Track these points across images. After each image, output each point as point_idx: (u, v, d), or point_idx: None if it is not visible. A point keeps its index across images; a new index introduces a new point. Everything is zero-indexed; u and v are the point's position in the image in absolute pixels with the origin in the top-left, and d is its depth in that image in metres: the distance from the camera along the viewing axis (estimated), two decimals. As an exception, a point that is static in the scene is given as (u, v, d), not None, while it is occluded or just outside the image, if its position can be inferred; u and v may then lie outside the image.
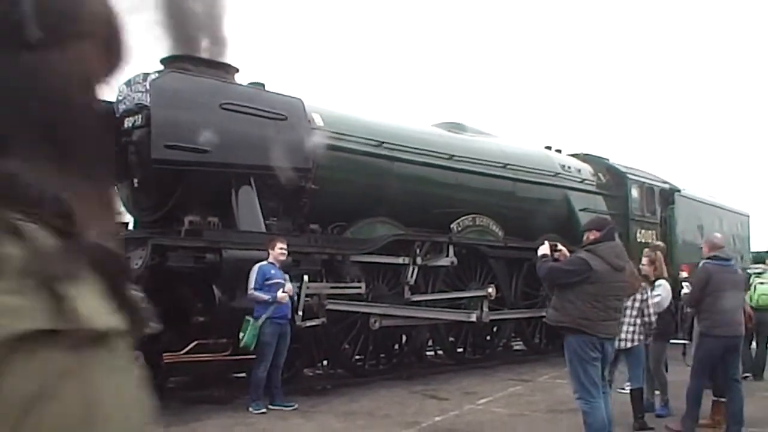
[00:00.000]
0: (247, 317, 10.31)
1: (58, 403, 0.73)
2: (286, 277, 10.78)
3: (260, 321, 10.26)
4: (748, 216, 29.25)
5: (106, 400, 0.79)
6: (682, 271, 14.61)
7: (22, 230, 0.77)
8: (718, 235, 10.53)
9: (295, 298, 11.09)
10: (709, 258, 9.36)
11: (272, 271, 10.55)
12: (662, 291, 10.56)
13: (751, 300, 13.04)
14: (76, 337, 0.76)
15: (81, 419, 0.75)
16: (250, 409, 10.23)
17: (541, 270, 7.99)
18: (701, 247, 11.07)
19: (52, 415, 0.73)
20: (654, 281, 10.65)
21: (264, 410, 10.23)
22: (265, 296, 10.38)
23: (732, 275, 9.39)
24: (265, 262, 10.58)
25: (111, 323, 0.83)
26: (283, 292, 10.47)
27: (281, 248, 10.71)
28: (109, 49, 0.95)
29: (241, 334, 10.24)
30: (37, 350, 0.73)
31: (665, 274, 10.89)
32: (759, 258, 17.32)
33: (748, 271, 15.42)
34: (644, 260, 10.92)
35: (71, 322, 0.76)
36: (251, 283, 10.38)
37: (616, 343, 8.76)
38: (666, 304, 10.59)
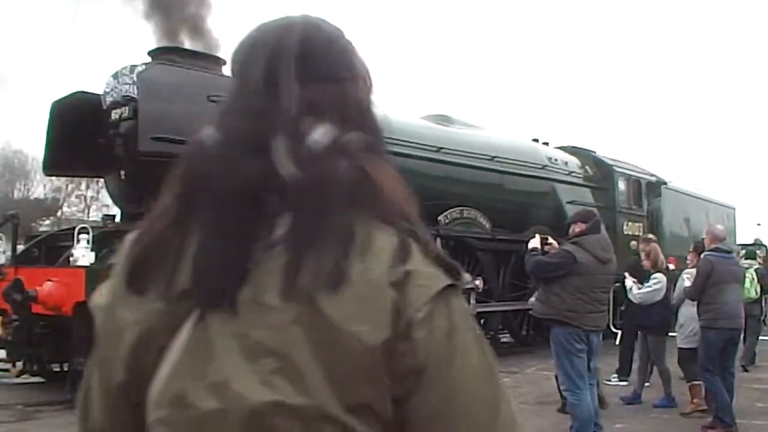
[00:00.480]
0: None
1: (464, 331, 1.25)
2: None
3: None
4: (734, 208, 29.38)
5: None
6: (669, 263, 14.63)
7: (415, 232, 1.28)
8: (720, 226, 10.50)
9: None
10: (711, 250, 9.34)
11: None
12: (656, 284, 10.62)
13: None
14: (461, 289, 1.28)
15: (475, 338, 1.27)
16: None
17: (529, 263, 8.02)
18: (699, 240, 11.18)
19: (461, 339, 1.23)
20: (651, 274, 10.75)
21: None
22: None
23: (734, 268, 9.41)
24: None
25: (467, 279, 1.34)
26: None
27: None
28: (369, 84, 1.52)
29: None
30: (449, 298, 1.23)
31: (662, 266, 10.93)
32: (750, 253, 17.37)
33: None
34: (642, 255, 11.07)
35: (458, 279, 1.27)
36: None
37: None
38: (659, 297, 10.60)
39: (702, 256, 9.73)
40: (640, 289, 10.81)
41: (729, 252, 9.51)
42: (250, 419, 1.14)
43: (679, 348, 10.51)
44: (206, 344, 1.19)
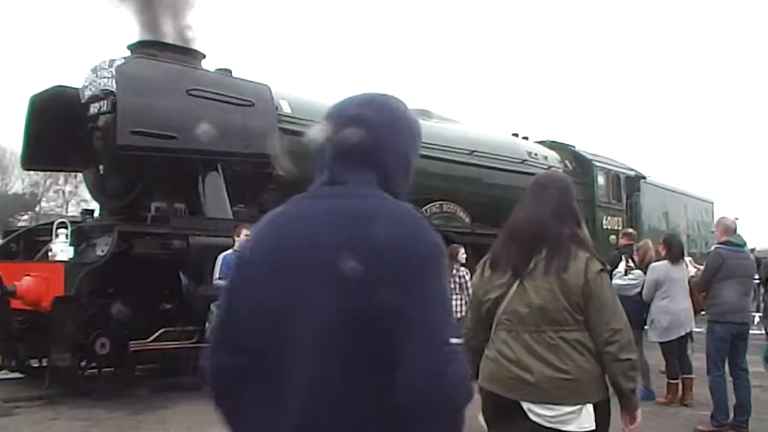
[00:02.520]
0: (212, 307, 10.25)
1: (606, 284, 3.84)
2: None
3: None
4: (713, 203, 29.56)
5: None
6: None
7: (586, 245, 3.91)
8: (730, 218, 10.31)
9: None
10: (721, 243, 9.19)
11: None
12: (632, 279, 10.69)
13: None
14: (606, 270, 3.89)
15: (609, 285, 3.93)
16: None
17: None
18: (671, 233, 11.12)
19: (603, 286, 3.80)
20: (636, 268, 10.82)
21: None
22: None
23: (745, 262, 9.23)
24: (229, 251, 10.50)
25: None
26: None
27: (247, 235, 10.60)
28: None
29: (206, 324, 10.20)
30: (601, 273, 3.76)
31: (649, 263, 10.92)
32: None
33: None
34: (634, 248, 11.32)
35: (605, 268, 3.85)
36: (216, 273, 10.30)
37: None
38: (632, 292, 10.60)
39: (713, 248, 9.64)
40: (622, 278, 10.87)
41: (741, 245, 9.30)
42: (539, 310, 3.71)
43: (659, 343, 10.53)
44: (522, 290, 3.78)
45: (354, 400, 1.90)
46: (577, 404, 3.56)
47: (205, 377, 2.26)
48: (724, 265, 8.90)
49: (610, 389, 3.75)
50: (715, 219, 10.87)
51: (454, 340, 1.89)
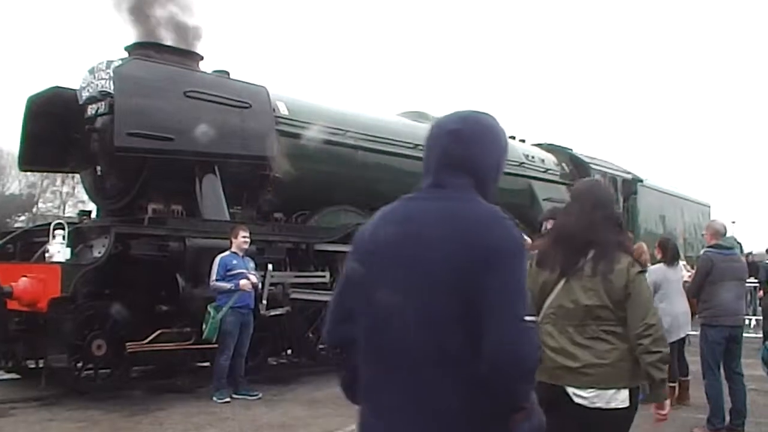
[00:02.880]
0: (209, 308, 10.25)
1: (644, 285, 4.31)
2: (251, 265, 10.75)
3: (220, 314, 10.21)
4: (709, 206, 29.60)
5: None
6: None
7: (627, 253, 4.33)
8: (720, 221, 10.32)
9: (260, 286, 11.06)
10: (711, 246, 9.22)
11: (234, 262, 10.49)
12: None
13: None
14: (644, 272, 4.44)
15: (646, 286, 4.38)
16: (214, 398, 10.19)
17: None
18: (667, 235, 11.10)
19: (641, 285, 4.24)
20: None
21: (228, 399, 10.21)
22: (227, 285, 10.33)
23: (735, 264, 9.25)
24: (227, 253, 10.50)
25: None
26: (246, 280, 10.44)
27: (244, 237, 10.65)
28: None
29: (203, 326, 10.21)
30: (640, 275, 4.24)
31: (644, 265, 10.83)
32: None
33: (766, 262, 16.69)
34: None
35: (644, 269, 4.58)
36: (213, 275, 10.33)
37: None
38: None
39: (702, 252, 9.66)
40: None
41: (730, 248, 9.32)
42: (584, 307, 4.15)
43: None
44: (569, 287, 4.21)
45: (447, 356, 2.44)
46: (615, 388, 4.08)
47: (327, 342, 3.03)
48: (714, 269, 8.93)
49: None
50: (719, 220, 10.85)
51: (528, 318, 2.43)
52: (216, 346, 10.34)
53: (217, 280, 10.31)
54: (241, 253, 10.62)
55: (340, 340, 2.81)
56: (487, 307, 2.39)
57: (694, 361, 10.12)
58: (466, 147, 2.70)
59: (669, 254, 10.52)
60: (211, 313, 10.18)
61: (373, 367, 2.61)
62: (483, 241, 2.46)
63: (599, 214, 4.33)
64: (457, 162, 2.69)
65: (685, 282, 10.29)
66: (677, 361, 10.42)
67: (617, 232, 4.39)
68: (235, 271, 10.42)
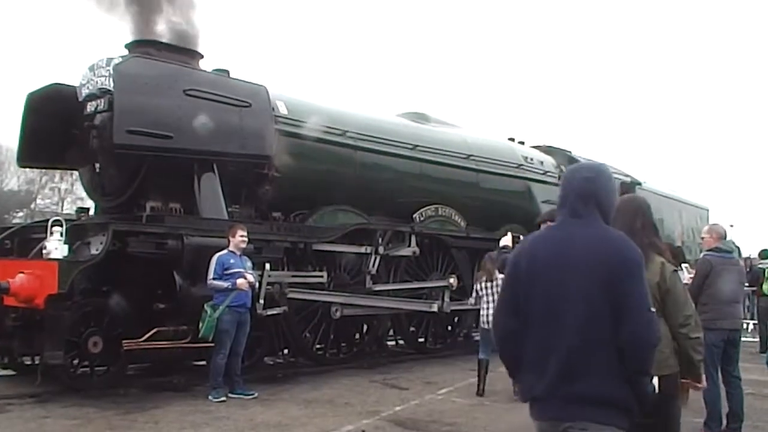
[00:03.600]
0: (206, 307, 10.23)
1: (678, 281, 4.98)
2: (249, 264, 10.75)
3: (217, 313, 10.20)
4: (708, 210, 29.59)
5: None
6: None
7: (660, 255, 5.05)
8: (721, 225, 10.40)
9: (257, 285, 11.05)
10: (710, 250, 9.23)
11: (231, 261, 10.49)
12: None
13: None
14: (677, 270, 5.28)
15: (680, 281, 5.02)
16: (210, 397, 10.18)
17: (499, 261, 8.03)
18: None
19: (676, 282, 4.93)
20: None
21: (224, 398, 10.20)
22: (225, 283, 10.32)
23: (733, 268, 9.27)
24: (224, 252, 10.49)
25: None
26: (243, 279, 10.45)
27: (242, 236, 10.64)
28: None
29: (200, 324, 10.20)
30: (675, 273, 4.97)
31: None
32: (765, 253, 18.11)
33: (759, 266, 18.11)
34: None
35: (679, 267, 5.49)
36: (210, 274, 10.33)
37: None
38: None
39: (702, 255, 9.68)
40: None
41: (729, 251, 9.33)
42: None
43: None
44: None
45: (596, 338, 3.56)
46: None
47: (495, 334, 4.04)
48: (713, 272, 8.97)
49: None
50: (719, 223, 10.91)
51: (652, 309, 3.64)
52: (212, 344, 10.32)
53: (214, 278, 10.30)
54: (238, 252, 10.61)
55: (508, 329, 3.88)
56: (626, 302, 3.55)
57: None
58: (595, 189, 3.87)
59: (678, 259, 10.54)
60: (208, 312, 10.16)
61: (541, 345, 3.67)
62: (619, 256, 3.65)
63: (639, 222, 5.15)
64: (589, 199, 3.83)
65: (685, 284, 10.36)
66: None
67: (652, 236, 5.18)
68: (232, 270, 10.41)
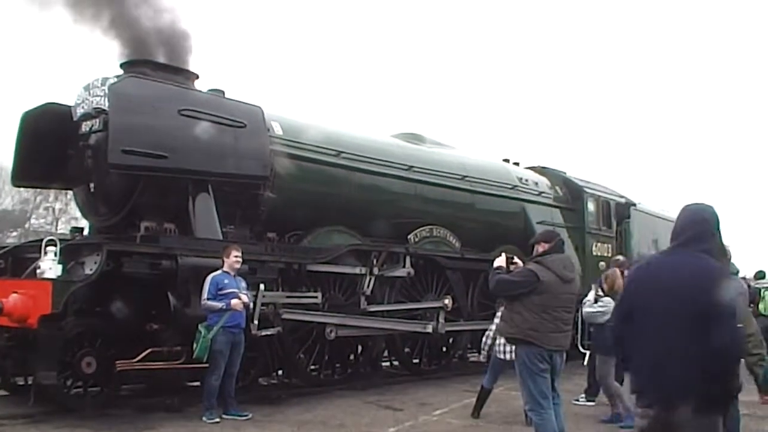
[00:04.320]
0: (200, 327, 10.20)
1: (743, 305, 8.97)
2: (243, 285, 10.72)
3: (211, 334, 10.16)
4: (702, 231, 29.56)
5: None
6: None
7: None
8: (729, 246, 10.44)
9: (251, 306, 11.03)
10: None
11: (226, 281, 10.45)
12: (601, 307, 11.20)
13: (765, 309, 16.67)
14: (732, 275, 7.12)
15: (746, 307, 9.68)
16: (204, 418, 10.14)
17: (492, 281, 8.06)
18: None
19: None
20: (605, 296, 10.96)
21: (218, 419, 10.15)
22: (219, 304, 10.28)
23: (738, 289, 9.29)
24: (219, 272, 10.47)
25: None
26: (237, 299, 10.42)
27: (236, 256, 10.62)
28: None
29: (194, 345, 10.16)
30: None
31: (617, 291, 11.02)
32: (761, 274, 18.57)
33: (756, 286, 17.80)
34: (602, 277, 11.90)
35: (734, 274, 8.81)
36: (204, 294, 10.29)
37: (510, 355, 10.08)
38: (602, 319, 11.03)
39: None
40: (591, 306, 11.40)
41: (735, 273, 9.34)
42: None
43: None
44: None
45: (686, 346, 4.45)
46: None
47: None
48: None
49: None
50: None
51: (739, 325, 4.59)
52: (206, 365, 10.29)
53: (208, 299, 10.27)
54: (232, 273, 10.59)
55: (620, 334, 5.02)
56: (715, 317, 4.38)
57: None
58: (703, 227, 4.80)
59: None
60: (202, 333, 10.13)
61: (648, 350, 4.65)
62: (716, 283, 4.50)
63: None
64: (699, 234, 4.76)
65: None
66: None
67: (720, 257, 5.34)
68: (226, 291, 10.38)
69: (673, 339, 4.49)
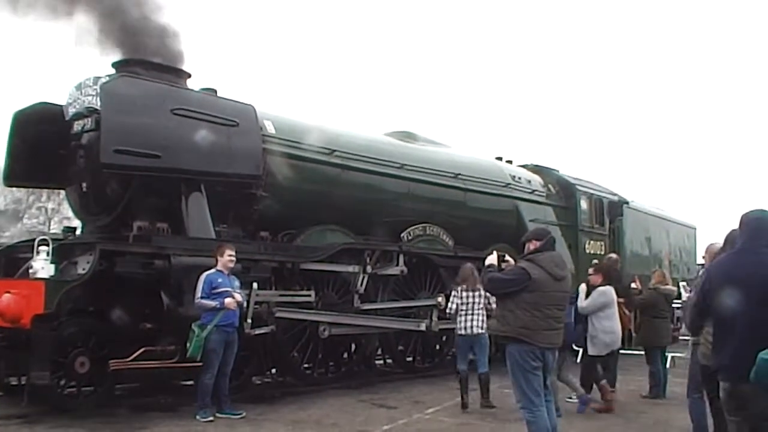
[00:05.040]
0: (193, 326, 10.18)
1: None
2: (236, 283, 10.73)
3: (205, 332, 10.14)
4: (695, 228, 29.66)
5: None
6: (633, 282, 14.73)
7: None
8: (719, 245, 10.50)
9: (245, 305, 11.03)
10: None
11: (219, 280, 10.44)
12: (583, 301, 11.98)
13: None
14: None
15: None
16: (198, 417, 10.13)
17: (484, 279, 8.09)
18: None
19: None
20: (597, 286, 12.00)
21: (211, 418, 10.15)
22: (213, 303, 10.26)
23: None
24: (212, 271, 10.46)
25: None
26: (231, 298, 10.42)
27: (230, 255, 10.61)
28: None
29: (187, 344, 10.16)
30: None
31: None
32: None
33: None
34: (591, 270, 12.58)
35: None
36: (198, 293, 10.28)
37: (469, 329, 11.65)
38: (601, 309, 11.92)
39: (700, 272, 9.72)
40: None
41: None
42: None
43: (589, 355, 12.09)
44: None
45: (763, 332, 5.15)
46: None
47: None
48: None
49: None
50: (698, 244, 11.22)
51: None
52: (200, 364, 10.28)
53: (202, 297, 10.27)
54: (226, 272, 10.59)
55: (697, 327, 6.47)
56: None
57: (678, 382, 10.14)
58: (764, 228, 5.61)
59: (612, 277, 12.50)
60: (196, 332, 10.12)
61: (731, 335, 5.40)
62: None
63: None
64: (759, 235, 5.56)
65: (685, 302, 10.63)
66: (609, 372, 12.22)
67: None
68: (220, 289, 10.37)
69: (752, 326, 5.26)
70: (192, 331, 10.15)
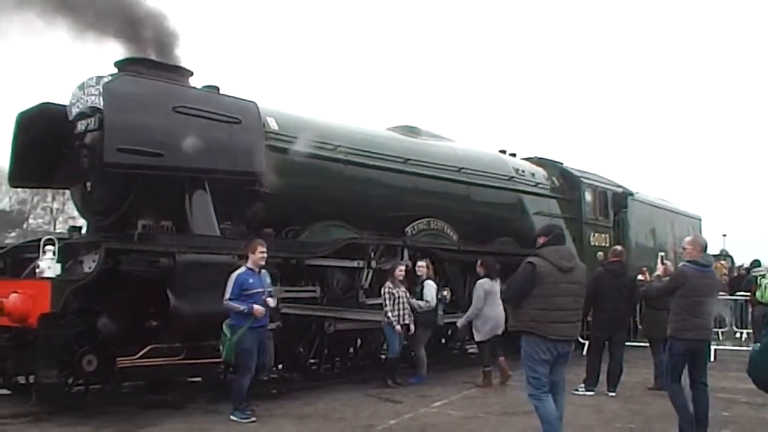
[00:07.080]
0: (224, 329, 10.08)
1: None
2: (268, 280, 10.63)
3: (235, 337, 10.00)
4: (700, 219, 29.60)
5: None
6: (641, 274, 14.76)
7: None
8: (703, 237, 10.67)
9: (277, 305, 11.01)
10: (690, 261, 9.28)
11: (250, 281, 10.25)
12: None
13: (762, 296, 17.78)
14: None
15: None
16: (233, 417, 9.99)
17: (504, 295, 8.57)
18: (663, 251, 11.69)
19: None
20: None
21: (254, 419, 10.03)
22: (241, 306, 10.09)
23: (708, 281, 9.32)
24: (243, 269, 10.28)
25: None
26: (263, 304, 10.28)
27: (262, 251, 10.44)
28: None
29: (220, 348, 10.11)
30: None
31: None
32: (756, 262, 20.81)
33: (753, 273, 19.54)
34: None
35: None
36: (227, 293, 10.11)
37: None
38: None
39: (680, 265, 9.76)
40: None
41: (707, 265, 9.40)
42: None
43: (478, 342, 13.95)
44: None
45: None
46: None
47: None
48: (687, 284, 9.07)
49: None
50: (703, 235, 11.28)
51: None
52: (207, 361, 10.29)
53: (231, 299, 10.14)
54: (257, 269, 10.50)
55: None
56: None
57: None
58: None
59: (492, 272, 13.88)
60: (227, 335, 10.04)
61: None
62: None
63: None
64: None
65: (657, 276, 10.71)
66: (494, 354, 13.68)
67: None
68: (251, 291, 10.22)
69: None
70: (223, 333, 10.08)
